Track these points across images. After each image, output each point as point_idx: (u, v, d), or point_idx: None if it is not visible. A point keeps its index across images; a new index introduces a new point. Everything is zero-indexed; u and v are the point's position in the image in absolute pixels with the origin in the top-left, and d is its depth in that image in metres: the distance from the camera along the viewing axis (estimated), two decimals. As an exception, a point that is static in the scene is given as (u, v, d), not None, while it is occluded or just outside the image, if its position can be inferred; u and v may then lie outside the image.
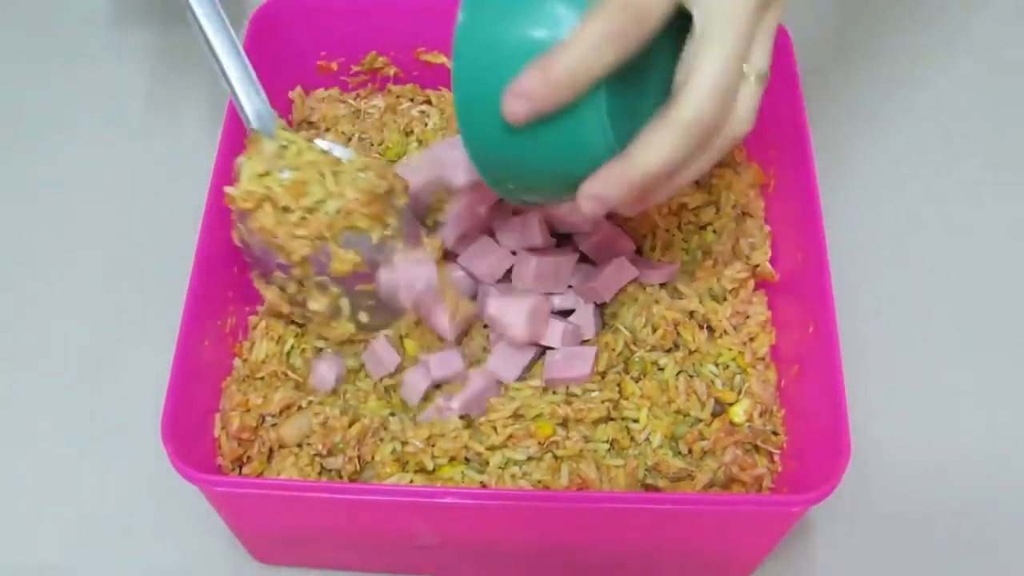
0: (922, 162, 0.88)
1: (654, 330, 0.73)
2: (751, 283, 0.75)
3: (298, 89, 0.82)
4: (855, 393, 0.61)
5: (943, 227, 0.85)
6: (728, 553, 0.67)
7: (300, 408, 0.70)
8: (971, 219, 0.86)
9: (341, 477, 0.68)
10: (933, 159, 0.88)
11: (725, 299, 0.74)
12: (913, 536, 0.72)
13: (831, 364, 0.62)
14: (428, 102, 0.85)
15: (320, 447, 0.68)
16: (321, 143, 0.67)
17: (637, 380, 0.71)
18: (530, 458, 0.68)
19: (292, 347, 0.73)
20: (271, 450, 0.69)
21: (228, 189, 0.65)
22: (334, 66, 0.82)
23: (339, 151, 0.67)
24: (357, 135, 0.82)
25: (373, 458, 0.68)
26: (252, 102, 0.65)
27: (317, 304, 0.68)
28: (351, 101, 0.83)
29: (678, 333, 0.73)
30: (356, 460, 0.68)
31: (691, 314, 0.73)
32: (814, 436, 0.65)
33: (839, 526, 0.72)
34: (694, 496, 0.65)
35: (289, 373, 0.71)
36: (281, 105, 0.81)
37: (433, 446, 0.68)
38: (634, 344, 0.72)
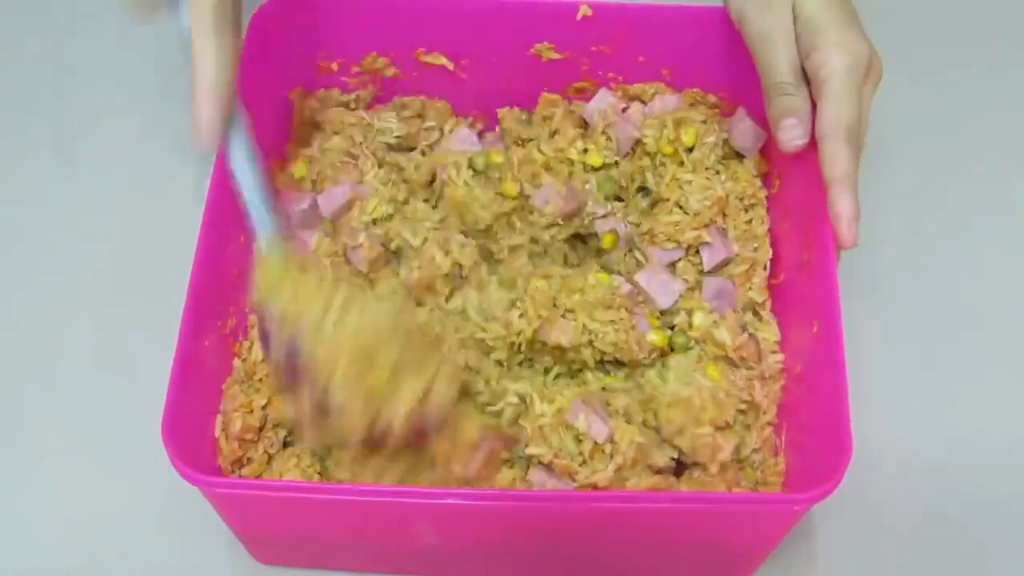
0: (925, 161, 0.88)
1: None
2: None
3: (298, 89, 0.82)
4: (856, 392, 0.61)
5: (944, 226, 0.85)
6: (730, 552, 0.67)
7: (299, 409, 0.70)
8: (973, 219, 0.85)
9: (341, 477, 0.68)
10: (937, 158, 0.88)
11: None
12: (915, 535, 0.72)
13: (835, 363, 0.62)
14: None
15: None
16: None
17: (640, 378, 0.71)
18: (531, 457, 0.68)
19: (291, 347, 0.72)
20: (270, 452, 0.69)
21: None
22: (334, 66, 0.82)
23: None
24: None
25: (374, 458, 0.68)
26: (264, 229, 0.64)
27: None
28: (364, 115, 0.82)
29: (681, 331, 0.73)
30: (356, 460, 0.67)
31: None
32: (816, 435, 0.65)
33: (841, 525, 0.72)
34: (695, 494, 0.64)
35: (289, 373, 0.71)
36: (281, 105, 0.81)
37: (434, 445, 0.67)
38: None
